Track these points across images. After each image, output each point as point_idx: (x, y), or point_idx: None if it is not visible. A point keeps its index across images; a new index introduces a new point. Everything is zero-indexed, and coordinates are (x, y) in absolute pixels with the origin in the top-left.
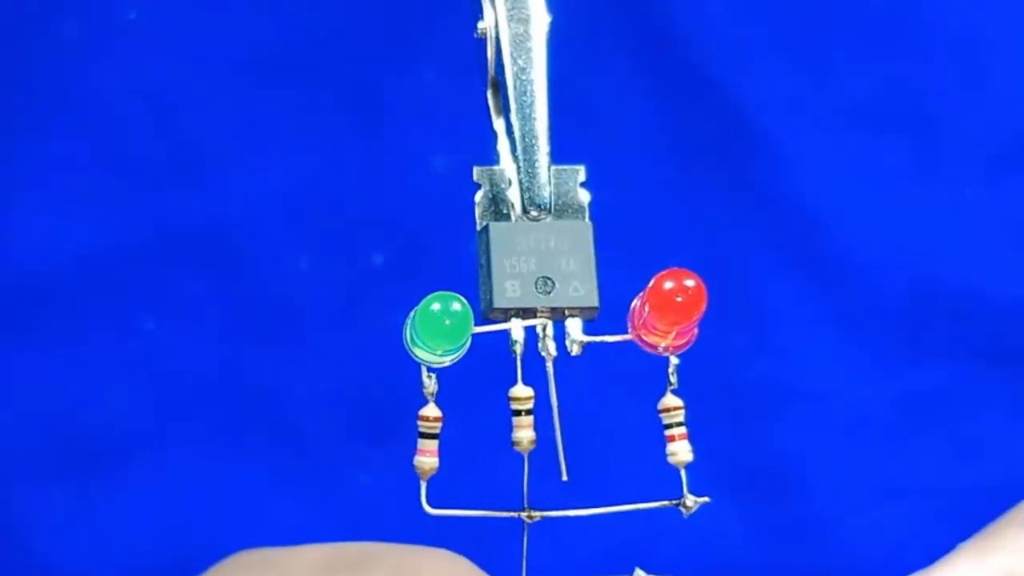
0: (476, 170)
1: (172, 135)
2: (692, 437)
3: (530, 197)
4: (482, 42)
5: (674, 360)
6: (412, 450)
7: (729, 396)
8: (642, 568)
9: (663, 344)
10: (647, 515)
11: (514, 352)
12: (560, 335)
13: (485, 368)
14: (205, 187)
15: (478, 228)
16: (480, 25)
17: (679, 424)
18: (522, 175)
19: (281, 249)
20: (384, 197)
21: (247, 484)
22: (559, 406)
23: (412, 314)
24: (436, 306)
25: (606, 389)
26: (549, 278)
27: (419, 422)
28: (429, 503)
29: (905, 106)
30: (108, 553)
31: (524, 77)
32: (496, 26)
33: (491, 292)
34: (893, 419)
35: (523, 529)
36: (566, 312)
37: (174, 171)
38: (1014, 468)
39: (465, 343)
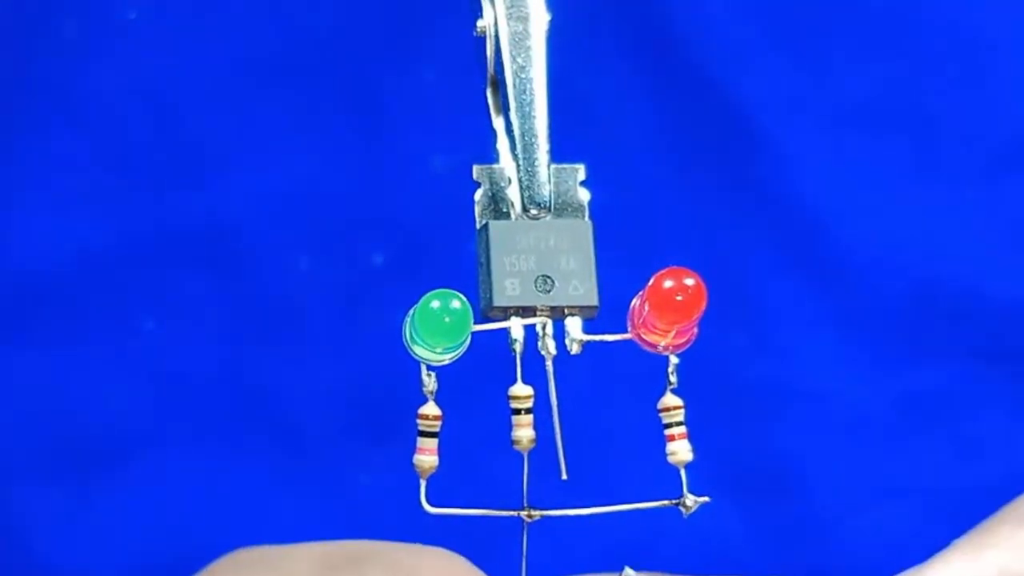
0: (476, 168)
1: (172, 135)
2: (692, 437)
3: (530, 196)
4: (481, 40)
5: (674, 359)
6: (412, 449)
7: (729, 396)
8: (631, 567)
9: (663, 343)
10: (647, 515)
11: (514, 351)
12: (560, 334)
13: (485, 367)
14: (205, 187)
15: (478, 226)
16: (479, 23)
17: (679, 423)
18: (522, 173)
19: (281, 249)
20: (384, 197)
21: (247, 484)
22: (559, 405)
23: (411, 312)
24: (436, 304)
25: (606, 388)
26: (549, 277)
27: (419, 421)
28: (429, 502)
29: (905, 106)
30: (108, 553)
31: (523, 75)
32: (495, 24)
33: (491, 290)
34: (893, 419)
35: (523, 528)
36: (566, 311)
37: (174, 171)
38: (1014, 468)
39: (465, 341)
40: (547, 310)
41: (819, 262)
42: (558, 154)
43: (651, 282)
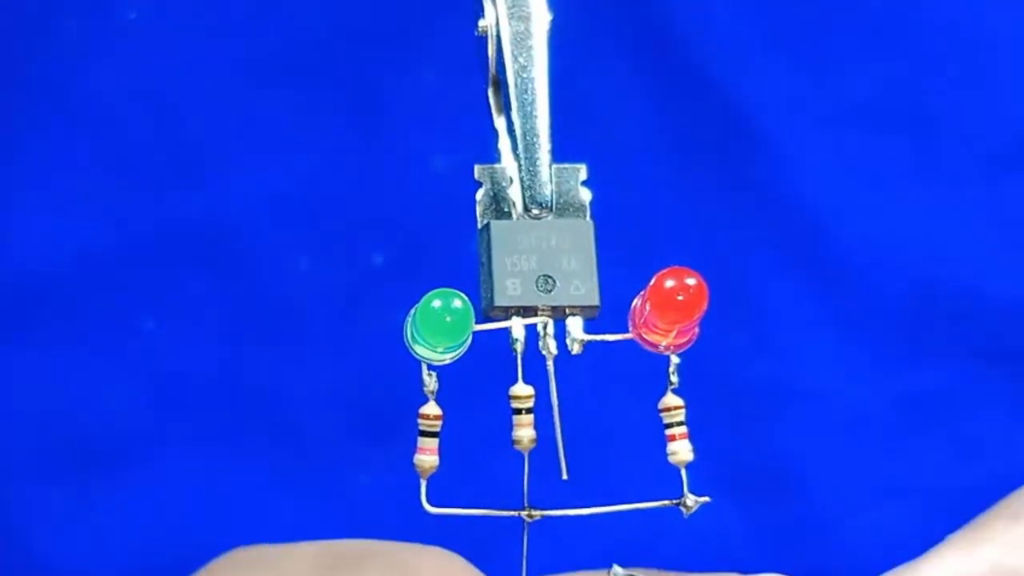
0: (477, 168)
1: (172, 135)
2: (692, 437)
3: (531, 195)
4: (483, 40)
5: (675, 359)
6: (412, 449)
7: (729, 396)
8: (628, 566)
9: (664, 343)
10: (647, 515)
11: (515, 350)
12: (561, 334)
13: (485, 367)
14: (205, 187)
15: (479, 226)
16: (481, 23)
17: (680, 423)
18: (523, 173)
19: (281, 249)
20: (384, 197)
21: (247, 484)
22: (559, 405)
23: (413, 311)
24: (437, 303)
25: (607, 388)
26: (550, 276)
27: (419, 420)
28: (429, 502)
29: (905, 106)
30: (108, 553)
31: (525, 75)
32: (497, 24)
33: (492, 290)
34: (893, 419)
35: (523, 528)
36: (567, 311)
37: (174, 171)
38: (1014, 468)
39: (466, 340)
40: (548, 310)
41: (819, 262)
42: (559, 154)
43: (652, 282)
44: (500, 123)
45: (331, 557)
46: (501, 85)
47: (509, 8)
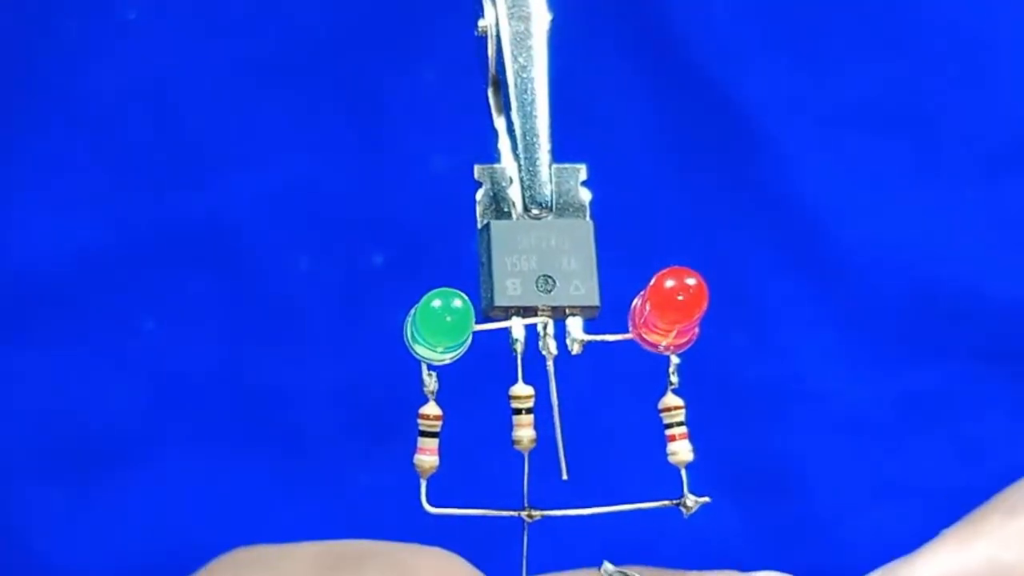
0: (477, 168)
1: (172, 135)
2: (692, 437)
3: (531, 195)
4: (483, 40)
5: (675, 359)
6: (412, 449)
7: (729, 396)
8: (628, 566)
9: (664, 343)
10: (647, 515)
11: (515, 351)
12: (561, 334)
13: (485, 367)
14: (205, 187)
15: (479, 226)
16: (481, 23)
17: (680, 424)
18: (523, 173)
19: (281, 249)
20: (384, 197)
21: (247, 484)
22: (559, 405)
23: (413, 311)
24: (437, 303)
25: (607, 388)
26: (550, 276)
27: (419, 420)
28: (429, 502)
29: (905, 106)
30: (108, 553)
31: (525, 75)
32: (497, 24)
33: (492, 290)
34: (893, 419)
35: (523, 528)
36: (567, 311)
37: (174, 171)
38: (1014, 468)
39: (466, 340)
40: (548, 310)
41: (819, 262)
42: (559, 154)
43: (652, 282)
44: (500, 123)
45: (331, 557)
46: (501, 85)
47: (509, 8)
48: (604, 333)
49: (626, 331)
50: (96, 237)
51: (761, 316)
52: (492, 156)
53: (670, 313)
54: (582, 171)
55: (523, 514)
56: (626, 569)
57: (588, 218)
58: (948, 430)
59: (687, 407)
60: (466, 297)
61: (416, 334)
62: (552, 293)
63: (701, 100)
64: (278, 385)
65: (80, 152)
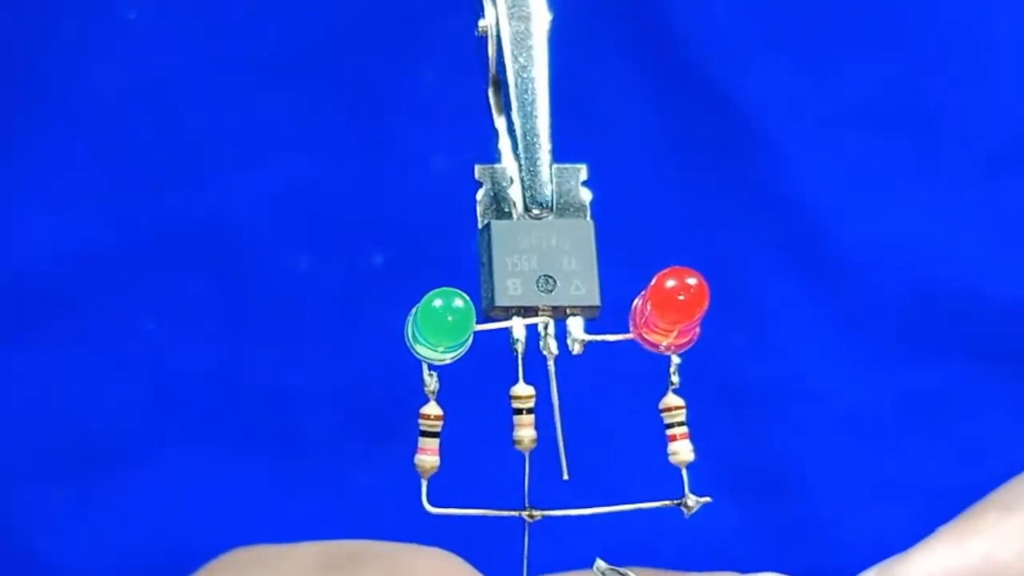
0: (478, 168)
1: (172, 135)
2: (692, 437)
3: (532, 195)
4: (483, 40)
5: (676, 359)
6: (412, 449)
7: (729, 396)
8: (619, 565)
9: (665, 343)
10: (648, 515)
11: (515, 351)
12: (561, 334)
13: (486, 367)
14: (205, 187)
15: (480, 226)
16: (481, 23)
17: (680, 424)
18: (523, 173)
19: (281, 249)
20: (384, 197)
21: (247, 484)
22: (560, 405)
23: (414, 311)
24: (438, 302)
25: (607, 388)
26: (551, 276)
27: (420, 420)
28: (430, 502)
29: (905, 106)
30: (108, 553)
31: (525, 75)
32: (497, 24)
33: (492, 290)
34: (893, 419)
35: (524, 528)
36: (567, 311)
37: (174, 171)
38: (1014, 468)
39: (467, 340)
40: (549, 310)
41: (819, 262)
42: (560, 154)
43: (653, 281)
44: (500, 123)
45: (330, 557)
46: (501, 85)
47: (509, 8)
48: (605, 333)
49: (627, 331)
50: (96, 237)
51: (761, 316)
52: (492, 156)
53: (671, 313)
54: (582, 171)
55: (524, 514)
56: (620, 568)
57: (589, 218)
58: (948, 430)
59: (687, 407)
60: (467, 297)
61: (417, 334)
62: (553, 293)
63: (701, 100)
64: (278, 385)
65: (80, 152)
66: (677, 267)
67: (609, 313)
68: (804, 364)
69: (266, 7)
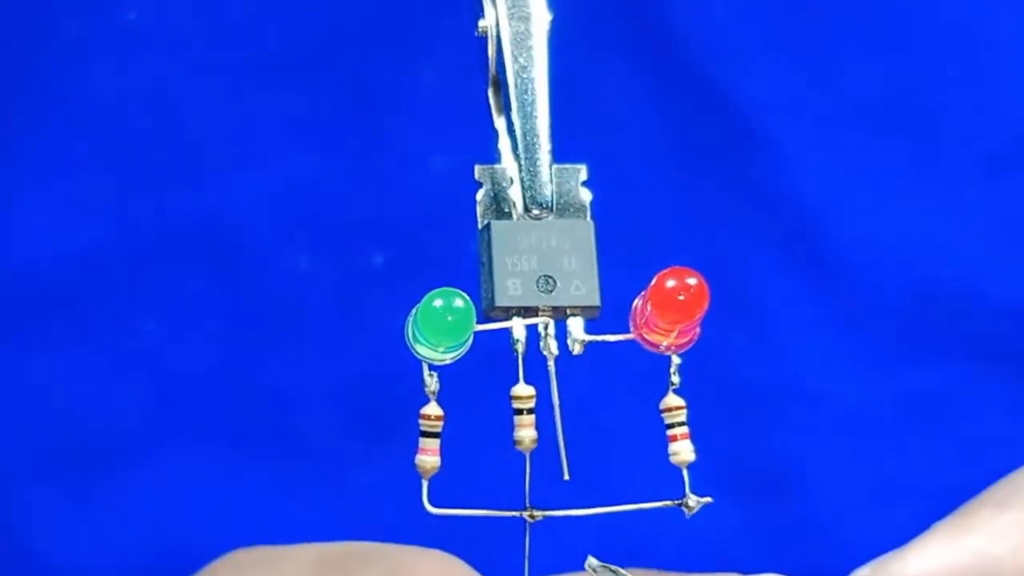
0: (478, 168)
1: (172, 135)
2: (692, 437)
3: (532, 196)
4: (483, 40)
5: (676, 359)
6: (413, 450)
7: (729, 396)
8: (594, 556)
9: (665, 343)
10: (648, 515)
11: (516, 351)
12: (562, 334)
13: (487, 367)
14: (205, 187)
15: (480, 227)
16: (481, 23)
17: (681, 424)
18: (523, 174)
19: (281, 249)
20: (384, 197)
21: (247, 484)
22: (561, 405)
23: (414, 311)
24: (438, 302)
25: (608, 388)
26: (551, 277)
27: (421, 421)
28: (431, 502)
29: (905, 106)
30: (108, 553)
31: (525, 75)
32: (497, 24)
33: (492, 290)
34: (893, 419)
35: (525, 529)
36: (568, 311)
37: (174, 171)
38: (1014, 468)
39: (467, 340)
40: (549, 310)
41: (819, 262)
42: (560, 154)
43: (653, 282)
44: (500, 123)
45: (331, 559)
46: (501, 85)
47: (509, 8)
48: (605, 333)
49: (627, 331)
50: (96, 237)
51: (761, 316)
52: (492, 156)
53: (671, 313)
54: (582, 171)
55: (525, 514)
56: (611, 565)
57: (589, 218)
58: (948, 430)
59: (688, 407)
60: (467, 297)
61: (417, 334)
62: (553, 293)
63: (701, 100)
64: (278, 385)
65: (80, 152)
66: (677, 267)
67: (609, 313)
68: (804, 364)
69: (266, 7)
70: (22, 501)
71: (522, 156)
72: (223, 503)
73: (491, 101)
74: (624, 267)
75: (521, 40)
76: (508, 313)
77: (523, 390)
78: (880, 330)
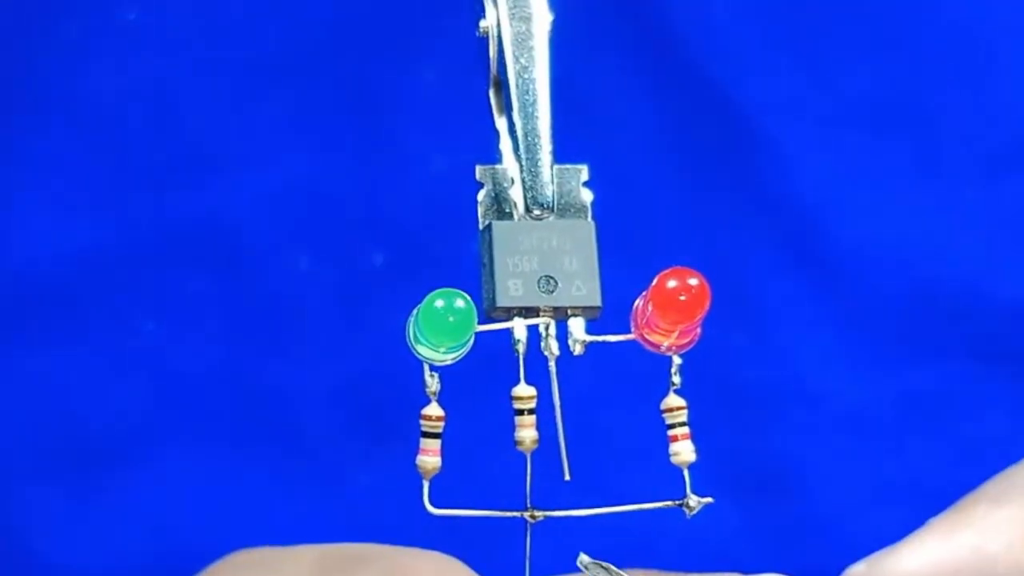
0: (479, 169)
1: (172, 135)
2: (692, 437)
3: (533, 196)
4: (484, 41)
5: (677, 360)
6: (413, 450)
7: (729, 396)
8: (588, 555)
9: (666, 343)
10: (649, 515)
11: (517, 351)
12: (563, 334)
13: (487, 367)
14: (205, 187)
15: (481, 227)
16: (482, 24)
17: (682, 424)
18: (524, 174)
19: (281, 249)
20: (384, 197)
21: (247, 484)
22: (562, 405)
23: (415, 311)
24: (440, 303)
25: (609, 389)
26: (552, 277)
27: (422, 421)
28: (432, 503)
29: (905, 106)
30: (108, 553)
31: (526, 76)
32: (498, 25)
33: (494, 291)
34: (893, 419)
35: (526, 529)
36: (569, 311)
37: (174, 171)
38: None
39: (468, 340)
40: (550, 311)
41: (819, 262)
42: (561, 155)
43: (654, 282)
44: (501, 124)
45: (332, 560)
46: (502, 86)
47: (510, 9)
48: (606, 334)
49: (628, 332)
50: (96, 237)
51: (761, 316)
52: (493, 156)
53: (672, 313)
54: (583, 172)
55: (526, 515)
56: (603, 563)
57: (590, 219)
58: (948, 430)
59: (688, 407)
60: (469, 297)
61: (419, 334)
62: (554, 294)
63: (701, 100)
64: (278, 385)
65: (80, 152)
66: (678, 267)
67: (610, 314)
68: (804, 364)
69: (266, 7)
70: (22, 501)
71: (523, 157)
72: (223, 503)
73: (492, 101)
74: (625, 267)
75: (522, 40)
76: (509, 313)
77: (524, 390)
78: (880, 330)
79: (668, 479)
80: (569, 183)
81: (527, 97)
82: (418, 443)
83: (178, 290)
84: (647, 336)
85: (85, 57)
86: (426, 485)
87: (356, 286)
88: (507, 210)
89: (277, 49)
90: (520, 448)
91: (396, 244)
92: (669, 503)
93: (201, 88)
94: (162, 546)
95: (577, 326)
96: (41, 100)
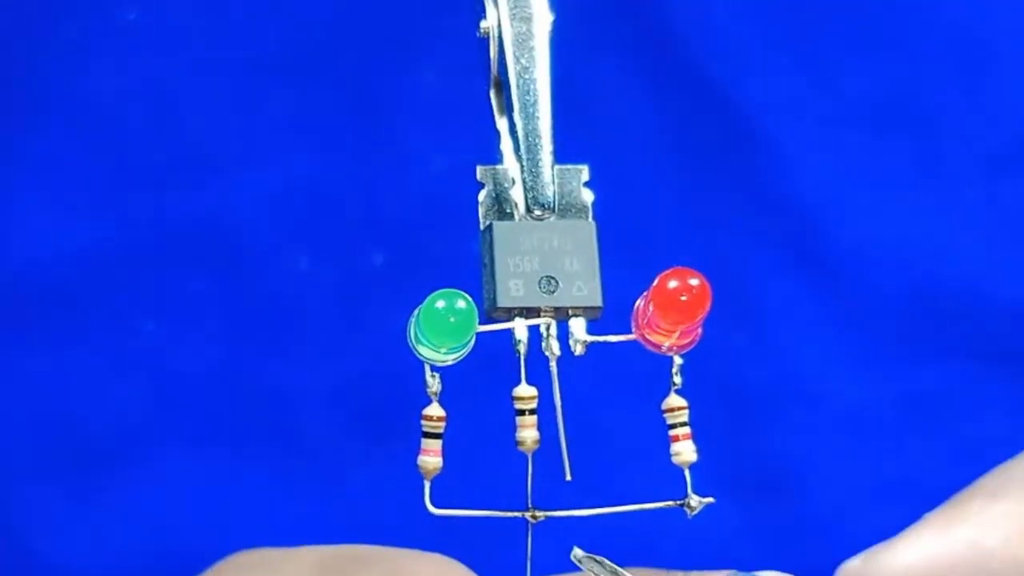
0: (479, 169)
1: (172, 135)
2: (693, 437)
3: (534, 196)
4: (484, 41)
5: (678, 360)
6: (414, 450)
7: (729, 396)
8: (580, 547)
9: (667, 344)
10: (650, 515)
11: (518, 352)
12: (564, 335)
13: (488, 368)
14: (205, 187)
15: (481, 227)
16: (483, 24)
17: (683, 424)
18: (525, 174)
19: (281, 249)
20: (384, 197)
21: (248, 484)
22: (563, 406)
23: (416, 311)
24: (441, 303)
25: (610, 389)
26: (553, 277)
27: (423, 422)
28: (433, 503)
29: (905, 106)
30: (108, 553)
31: (527, 76)
32: (499, 25)
33: (494, 291)
34: (893, 419)
35: (527, 529)
36: (570, 312)
37: (174, 171)
38: None
39: (470, 341)
40: (551, 311)
41: (819, 262)
42: (561, 155)
43: (655, 282)
44: (502, 124)
45: (332, 561)
46: (503, 86)
47: (511, 9)
48: (607, 334)
49: (629, 332)
50: (96, 237)
51: (761, 316)
52: (493, 157)
53: (673, 314)
54: (584, 172)
55: (527, 515)
56: (596, 556)
57: (591, 219)
58: (948, 430)
59: (689, 407)
60: (470, 298)
61: (420, 335)
62: (555, 294)
63: (701, 100)
64: (278, 385)
65: (80, 152)
66: (679, 268)
67: (611, 314)
68: (804, 364)
69: (266, 7)
70: (22, 501)
71: (524, 157)
72: (223, 503)
73: (493, 102)
74: (626, 267)
75: (523, 41)
76: (510, 314)
77: (525, 391)
78: (880, 330)
79: (669, 479)
80: (570, 183)
81: (528, 97)
82: (419, 443)
83: (178, 290)
84: (648, 336)
85: (85, 57)
86: (427, 485)
87: (356, 286)
88: (508, 210)
89: (277, 49)
90: (521, 448)
91: (396, 244)
92: (670, 503)
93: (201, 88)
94: (162, 546)
95: (578, 326)
96: (41, 100)
